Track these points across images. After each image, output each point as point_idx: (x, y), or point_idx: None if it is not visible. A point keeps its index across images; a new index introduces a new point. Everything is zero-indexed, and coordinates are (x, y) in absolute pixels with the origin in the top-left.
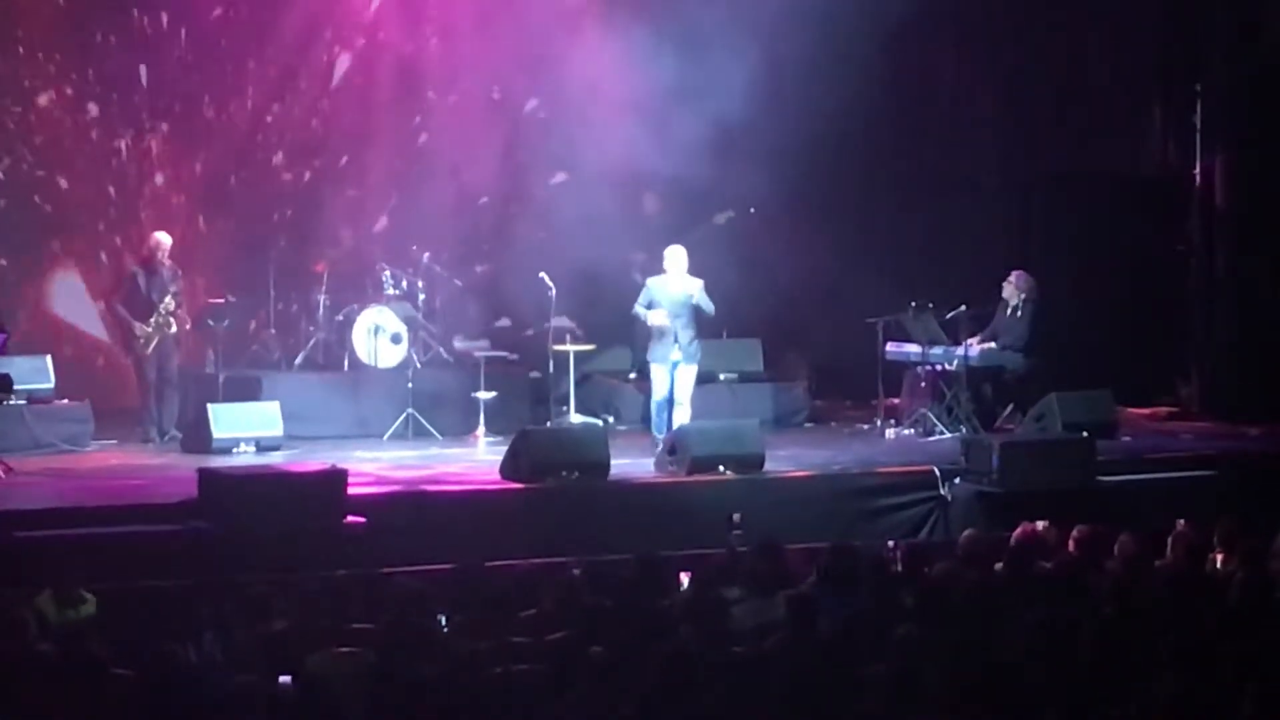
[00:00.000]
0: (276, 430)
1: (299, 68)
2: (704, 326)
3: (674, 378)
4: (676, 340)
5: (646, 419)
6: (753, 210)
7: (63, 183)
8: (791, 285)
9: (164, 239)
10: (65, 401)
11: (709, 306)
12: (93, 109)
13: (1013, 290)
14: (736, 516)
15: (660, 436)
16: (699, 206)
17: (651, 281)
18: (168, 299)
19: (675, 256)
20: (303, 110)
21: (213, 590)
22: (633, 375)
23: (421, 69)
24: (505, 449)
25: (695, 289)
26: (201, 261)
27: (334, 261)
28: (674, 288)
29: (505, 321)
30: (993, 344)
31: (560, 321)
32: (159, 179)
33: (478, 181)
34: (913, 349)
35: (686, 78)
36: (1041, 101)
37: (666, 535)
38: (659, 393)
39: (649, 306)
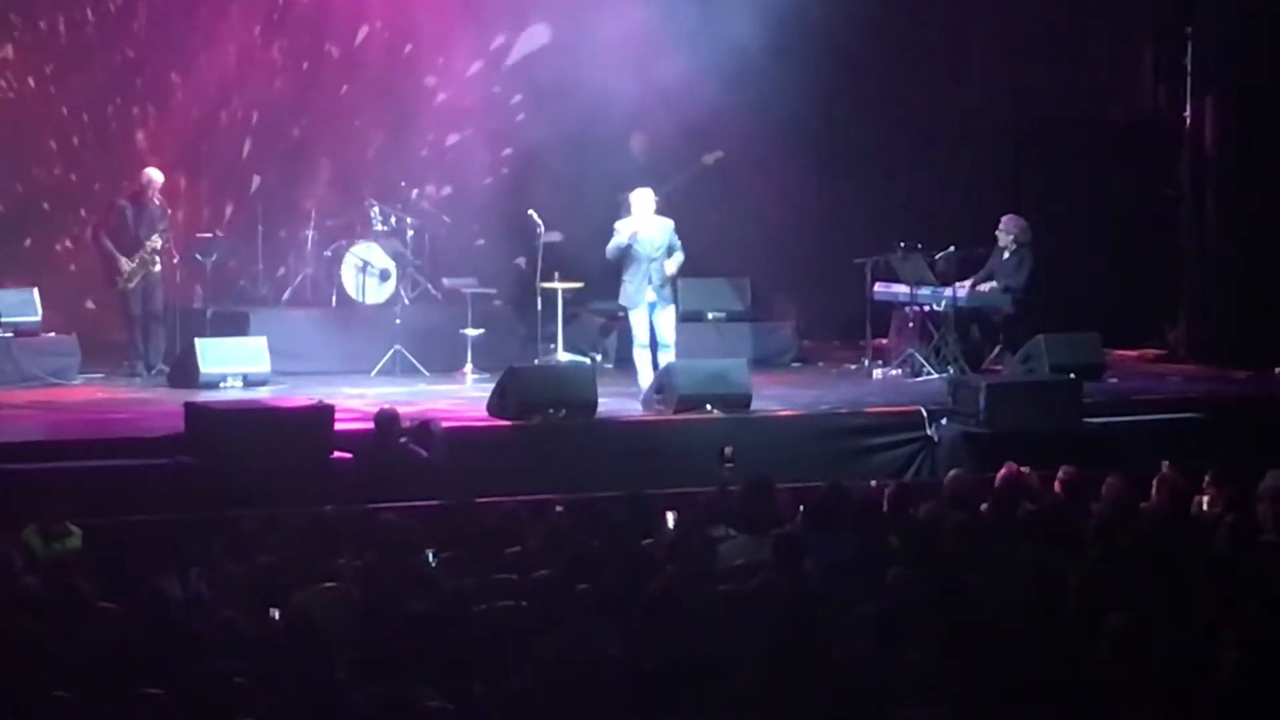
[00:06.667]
0: (264, 365)
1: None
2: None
3: (653, 320)
4: (650, 281)
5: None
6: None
7: (63, 110)
8: (780, 225)
9: (156, 176)
10: (52, 334)
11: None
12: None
13: (1004, 235)
14: (728, 450)
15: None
16: (687, 147)
17: (620, 225)
18: (154, 237)
19: (643, 199)
20: (292, 45)
21: (199, 525)
22: (621, 314)
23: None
24: (493, 386)
25: (667, 231)
26: (190, 197)
27: (323, 198)
28: (644, 230)
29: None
30: (992, 283)
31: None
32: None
33: (462, 117)
34: (901, 290)
35: (677, 17)
36: (1032, 44)
37: (653, 474)
38: (640, 337)
39: (620, 249)
